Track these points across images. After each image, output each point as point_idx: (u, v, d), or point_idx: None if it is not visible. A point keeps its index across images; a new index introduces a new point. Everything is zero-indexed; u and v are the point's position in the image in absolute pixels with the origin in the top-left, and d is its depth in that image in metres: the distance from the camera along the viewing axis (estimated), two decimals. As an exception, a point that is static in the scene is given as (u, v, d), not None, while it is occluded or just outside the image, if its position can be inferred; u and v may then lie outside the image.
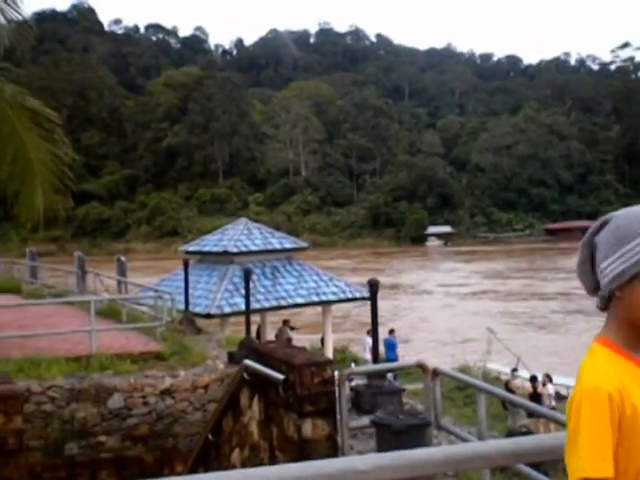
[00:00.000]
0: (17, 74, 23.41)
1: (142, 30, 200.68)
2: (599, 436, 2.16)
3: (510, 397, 8.91)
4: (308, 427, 8.97)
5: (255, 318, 24.47)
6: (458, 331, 43.51)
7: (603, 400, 2.16)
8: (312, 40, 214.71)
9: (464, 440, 8.38)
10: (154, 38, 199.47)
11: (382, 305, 36.48)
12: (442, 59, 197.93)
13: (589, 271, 2.40)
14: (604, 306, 2.36)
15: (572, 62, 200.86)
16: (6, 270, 35.79)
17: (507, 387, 20.18)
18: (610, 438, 2.16)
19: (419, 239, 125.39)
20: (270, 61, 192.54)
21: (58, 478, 14.36)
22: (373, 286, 12.88)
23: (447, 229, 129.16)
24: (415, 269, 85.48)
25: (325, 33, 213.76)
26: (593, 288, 2.40)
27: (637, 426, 2.18)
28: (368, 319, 41.00)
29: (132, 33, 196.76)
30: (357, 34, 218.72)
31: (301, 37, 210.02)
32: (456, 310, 53.22)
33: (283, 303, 26.09)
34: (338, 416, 9.23)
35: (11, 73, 18.67)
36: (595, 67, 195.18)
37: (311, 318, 39.16)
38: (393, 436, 8.11)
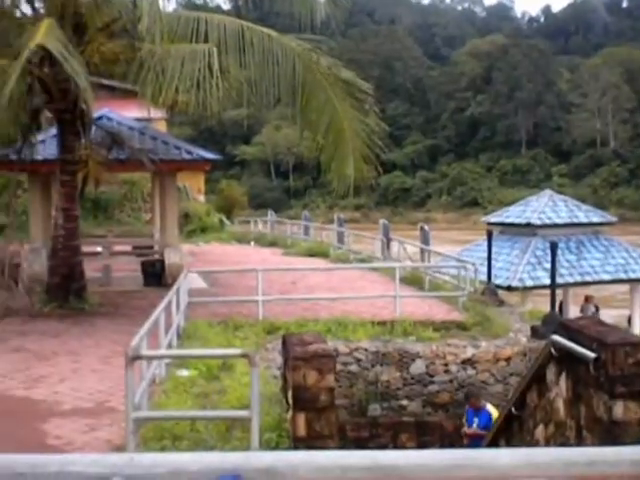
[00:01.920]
0: (329, 47, 24.31)
1: (447, 0, 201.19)
2: None
3: None
4: (619, 409, 8.57)
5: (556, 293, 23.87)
6: None
7: None
8: (625, 4, 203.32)
9: None
10: (459, 8, 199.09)
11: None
12: None
13: None
14: None
15: None
16: (315, 235, 37.65)
17: None
18: None
19: None
20: (579, 27, 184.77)
21: (361, 437, 14.92)
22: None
23: None
24: None
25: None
26: None
27: None
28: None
29: (438, 3, 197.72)
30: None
31: (613, 1, 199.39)
32: None
33: (588, 279, 25.19)
34: (653, 401, 8.74)
35: (324, 45, 19.42)
36: None
37: (598, 293, 37.21)
38: None
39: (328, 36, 27.82)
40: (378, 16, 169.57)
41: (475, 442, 12.43)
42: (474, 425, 12.62)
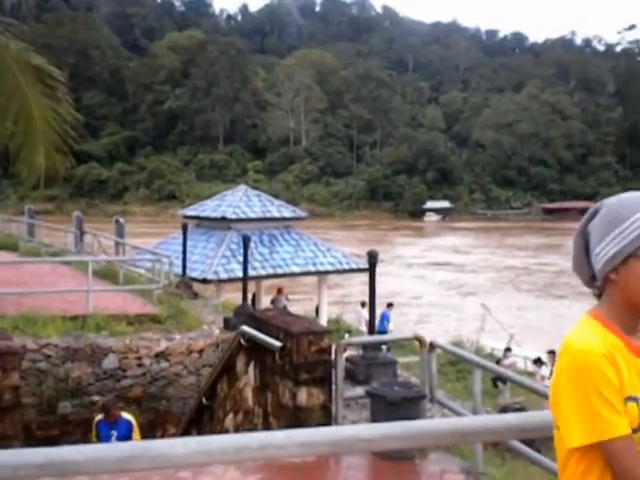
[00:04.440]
0: (21, 31, 23.21)
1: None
2: (603, 396, 2.15)
3: (508, 374, 8.96)
4: (303, 395, 9.02)
5: (250, 285, 24.55)
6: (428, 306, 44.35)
7: (599, 360, 2.15)
8: (317, 9, 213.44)
9: (459, 414, 8.43)
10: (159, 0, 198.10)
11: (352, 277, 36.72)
12: (447, 33, 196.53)
13: (584, 261, 2.38)
14: (600, 293, 2.36)
15: (578, 42, 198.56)
16: (4, 227, 35.78)
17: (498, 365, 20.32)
18: (616, 394, 2.15)
19: (417, 213, 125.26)
20: (274, 28, 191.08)
21: (51, 436, 14.45)
22: (372, 257, 12.86)
23: (445, 204, 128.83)
24: (390, 242, 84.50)
25: (331, 2, 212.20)
26: (589, 278, 2.39)
27: None
28: (338, 287, 41.28)
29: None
30: (363, 4, 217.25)
31: (306, 5, 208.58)
32: (430, 283, 54.67)
33: (279, 271, 26.13)
34: (333, 386, 9.27)
35: (15, 29, 18.55)
36: (601, 48, 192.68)
37: (300, 287, 39.10)
38: (388, 407, 8.15)
39: (20, 20, 26.60)
40: (74, 2, 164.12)
41: None
42: (113, 439, 10.94)
